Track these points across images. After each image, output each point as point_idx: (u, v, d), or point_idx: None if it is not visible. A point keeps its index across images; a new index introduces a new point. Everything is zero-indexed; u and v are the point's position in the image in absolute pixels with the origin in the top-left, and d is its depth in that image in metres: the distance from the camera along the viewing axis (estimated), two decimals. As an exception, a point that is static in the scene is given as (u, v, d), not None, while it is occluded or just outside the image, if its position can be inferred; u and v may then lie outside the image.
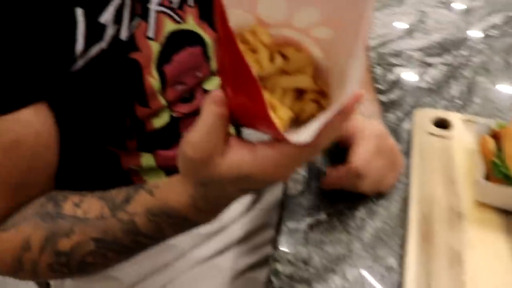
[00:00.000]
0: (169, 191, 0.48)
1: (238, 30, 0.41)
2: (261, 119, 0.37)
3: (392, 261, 0.58)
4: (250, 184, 0.42)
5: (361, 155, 0.61)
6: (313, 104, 0.42)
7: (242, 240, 0.78)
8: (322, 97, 0.42)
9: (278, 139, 0.39)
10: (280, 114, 0.40)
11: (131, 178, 0.68)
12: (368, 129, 0.63)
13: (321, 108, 0.42)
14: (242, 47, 0.40)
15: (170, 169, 0.68)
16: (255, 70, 0.39)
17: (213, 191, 0.44)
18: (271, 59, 0.41)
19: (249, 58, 0.40)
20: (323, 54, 0.42)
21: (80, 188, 0.58)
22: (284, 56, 0.42)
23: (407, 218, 0.61)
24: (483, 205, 0.62)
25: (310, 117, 0.42)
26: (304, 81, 0.42)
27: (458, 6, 1.21)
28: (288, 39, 0.42)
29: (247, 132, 0.76)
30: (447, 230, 0.59)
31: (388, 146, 0.65)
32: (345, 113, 0.38)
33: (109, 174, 0.67)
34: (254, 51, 0.41)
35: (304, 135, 0.37)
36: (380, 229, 0.61)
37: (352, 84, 0.37)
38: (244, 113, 0.40)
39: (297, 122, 0.42)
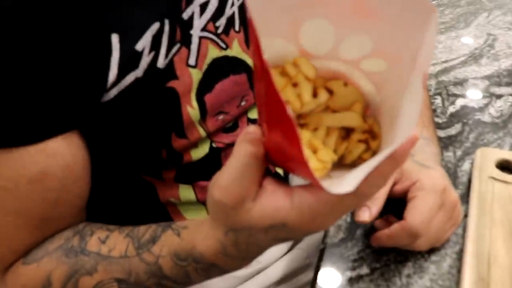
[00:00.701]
0: (197, 234, 0.45)
1: (279, 62, 0.37)
2: (297, 163, 0.33)
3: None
4: (285, 233, 0.38)
5: (420, 214, 0.55)
6: (361, 145, 0.37)
7: (281, 281, 0.74)
8: (371, 138, 0.38)
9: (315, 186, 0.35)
10: (321, 157, 0.36)
11: (169, 212, 0.65)
12: (429, 182, 0.57)
13: (370, 150, 0.37)
14: (280, 80, 0.37)
15: None
16: (296, 107, 0.36)
17: (244, 238, 0.40)
18: (315, 94, 0.37)
19: (289, 93, 0.36)
20: (375, 89, 0.38)
21: (114, 220, 0.56)
22: (330, 91, 0.38)
23: (461, 278, 0.55)
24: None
25: (357, 159, 0.37)
26: (351, 119, 0.37)
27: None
28: (335, 72, 0.38)
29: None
30: (507, 295, 0.52)
31: (450, 202, 0.58)
32: (396, 160, 0.33)
33: (146, 207, 0.64)
34: (296, 85, 0.37)
35: (346, 184, 0.32)
36: (429, 288, 0.55)
37: (406, 126, 0.32)
38: (280, 154, 0.36)
39: (342, 163, 0.38)
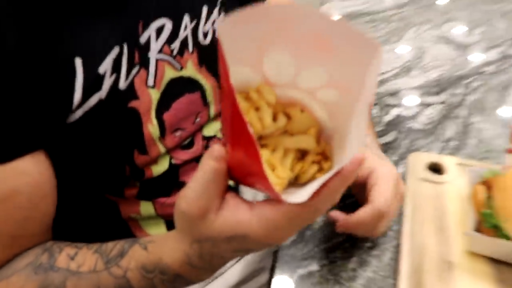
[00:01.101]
0: (163, 246, 0.47)
1: (244, 88, 0.41)
2: (258, 177, 0.37)
3: (383, 313, 0.58)
4: (246, 244, 0.42)
5: (385, 197, 0.59)
6: (315, 166, 0.42)
7: (238, 285, 0.78)
8: (324, 159, 0.42)
9: (274, 198, 0.39)
10: (279, 174, 0.40)
11: (130, 227, 0.68)
12: (387, 172, 0.62)
13: (322, 170, 0.41)
14: (244, 104, 0.41)
15: (169, 217, 0.69)
16: (257, 128, 0.40)
17: (208, 249, 0.43)
18: (275, 118, 0.41)
19: (251, 116, 0.40)
20: (328, 116, 0.42)
21: (78, 238, 0.58)
22: (288, 116, 0.42)
23: (398, 269, 0.62)
24: (474, 255, 0.62)
25: (311, 179, 0.41)
26: (306, 142, 0.42)
27: (456, 41, 1.22)
28: (293, 100, 0.42)
29: (244, 190, 0.77)
30: (437, 280, 0.59)
31: (401, 192, 0.63)
32: (344, 178, 0.38)
33: (108, 223, 0.67)
34: (258, 109, 0.41)
35: (300, 196, 0.36)
36: (372, 280, 0.62)
37: (352, 148, 0.37)
38: (242, 169, 0.40)
39: (297, 184, 0.42)
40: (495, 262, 0.61)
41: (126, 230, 0.68)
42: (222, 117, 0.41)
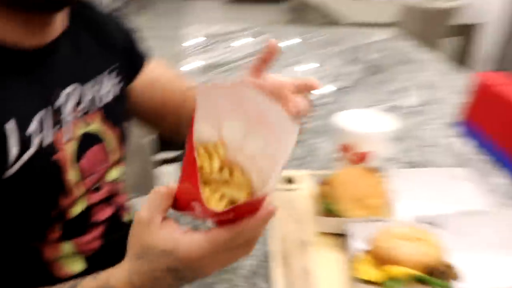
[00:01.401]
0: (111, 271, 0.55)
1: (205, 141, 0.52)
2: (197, 200, 0.46)
3: (265, 286, 0.77)
4: (178, 263, 0.50)
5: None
6: None
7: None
8: None
9: (206, 213, 0.48)
10: (213, 205, 0.50)
11: (51, 268, 0.75)
12: None
13: None
14: (202, 152, 0.51)
15: (88, 253, 0.79)
16: (206, 171, 0.50)
17: (146, 266, 0.51)
18: (221, 169, 0.52)
19: (204, 162, 0.51)
20: (260, 178, 0.52)
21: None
22: (231, 172, 0.52)
23: (270, 256, 0.82)
24: (323, 233, 0.85)
25: None
26: (238, 196, 0.51)
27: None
28: (239, 162, 0.53)
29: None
30: (299, 255, 0.81)
31: None
32: (260, 219, 0.48)
33: (29, 267, 0.73)
34: (211, 159, 0.52)
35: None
36: (255, 265, 0.81)
37: (268, 188, 0.48)
38: (187, 197, 0.49)
39: None
40: (339, 236, 0.84)
41: (47, 271, 0.75)
42: (184, 158, 0.49)
